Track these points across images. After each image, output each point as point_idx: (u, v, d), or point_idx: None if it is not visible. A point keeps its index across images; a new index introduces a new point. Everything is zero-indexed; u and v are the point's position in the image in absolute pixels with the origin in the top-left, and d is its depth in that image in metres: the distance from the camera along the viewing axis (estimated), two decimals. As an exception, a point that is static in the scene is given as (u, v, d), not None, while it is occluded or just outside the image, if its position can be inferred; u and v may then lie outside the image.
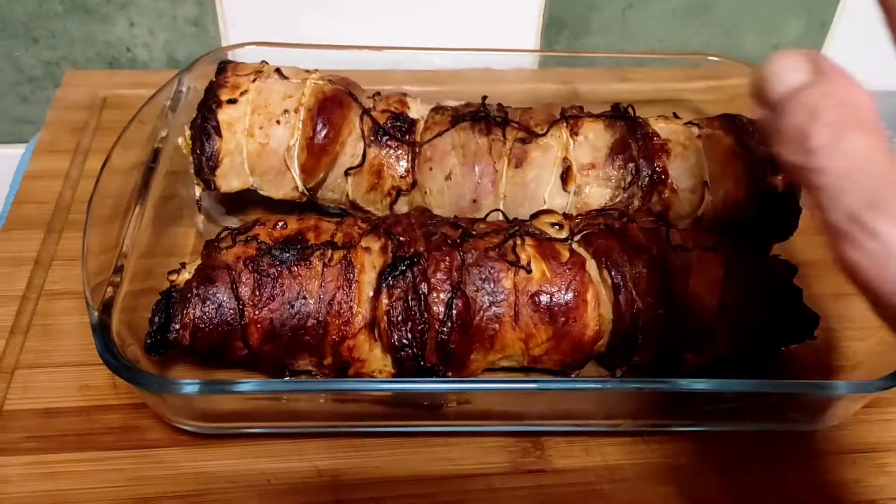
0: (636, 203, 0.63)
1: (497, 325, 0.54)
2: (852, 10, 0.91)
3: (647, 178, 0.63)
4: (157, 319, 0.51)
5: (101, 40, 0.85)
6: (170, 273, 0.55)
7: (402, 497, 0.52)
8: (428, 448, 0.54)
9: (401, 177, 0.63)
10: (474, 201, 0.63)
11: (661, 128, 0.65)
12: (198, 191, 0.64)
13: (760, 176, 0.64)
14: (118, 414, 0.55)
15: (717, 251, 0.57)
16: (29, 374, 0.56)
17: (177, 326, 0.51)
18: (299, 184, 0.63)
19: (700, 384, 0.49)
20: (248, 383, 0.48)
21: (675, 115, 0.68)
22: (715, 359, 0.58)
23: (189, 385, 0.47)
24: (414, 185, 0.63)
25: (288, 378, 0.55)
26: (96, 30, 0.84)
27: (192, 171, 0.63)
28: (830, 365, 0.61)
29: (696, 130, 0.66)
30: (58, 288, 0.62)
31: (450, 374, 0.54)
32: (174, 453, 0.53)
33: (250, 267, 0.52)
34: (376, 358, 0.54)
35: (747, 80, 0.76)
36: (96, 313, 0.49)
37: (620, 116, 0.66)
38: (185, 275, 0.54)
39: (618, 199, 0.63)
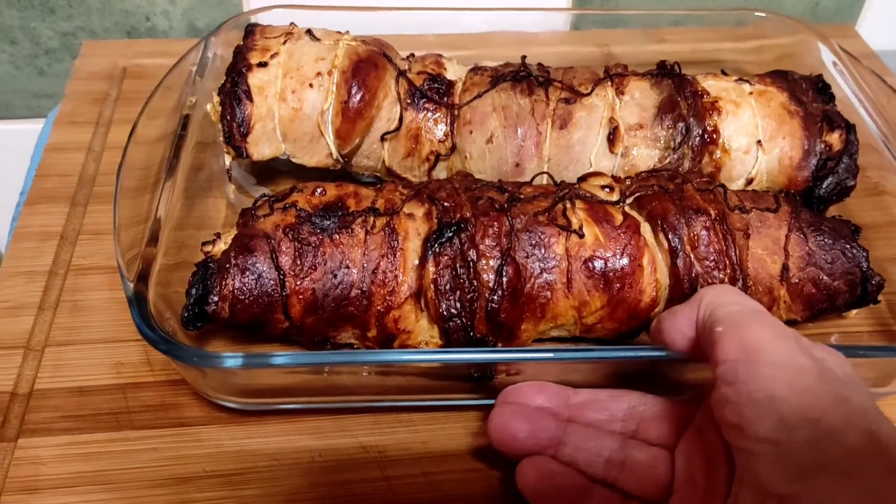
0: (686, 164, 0.60)
1: (549, 293, 0.51)
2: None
3: (697, 138, 0.60)
4: (194, 292, 0.49)
5: (118, 9, 0.82)
6: (204, 244, 0.52)
7: (451, 472, 0.49)
8: (477, 422, 0.52)
9: (440, 141, 0.61)
10: (517, 165, 0.60)
11: (711, 85, 0.62)
12: (227, 160, 0.61)
13: (816, 133, 0.61)
14: (154, 391, 0.52)
15: (777, 212, 0.54)
16: (60, 352, 0.54)
17: (215, 298, 0.49)
18: (334, 150, 0.61)
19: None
20: (291, 355, 0.45)
21: (724, 73, 0.65)
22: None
23: (231, 358, 0.44)
24: (453, 149, 0.60)
25: (330, 350, 0.53)
26: (114, -2, 0.81)
27: (221, 139, 0.60)
28: (893, 330, 0.58)
29: (747, 87, 0.63)
30: (85, 263, 0.60)
31: (500, 344, 0.51)
32: (213, 431, 0.51)
33: (290, 235, 0.50)
34: (423, 329, 0.51)
35: (795, 37, 0.73)
36: (131, 285, 0.47)
37: (667, 74, 0.62)
38: (221, 245, 0.51)
39: (667, 161, 0.60)
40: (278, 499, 0.48)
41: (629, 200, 0.54)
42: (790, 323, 0.55)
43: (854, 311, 0.57)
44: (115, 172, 0.54)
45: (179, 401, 0.52)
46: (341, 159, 0.62)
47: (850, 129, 0.61)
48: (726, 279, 0.51)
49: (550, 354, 0.47)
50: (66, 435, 0.50)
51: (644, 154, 0.60)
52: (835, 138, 0.61)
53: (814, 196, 0.61)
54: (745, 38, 0.78)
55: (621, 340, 0.55)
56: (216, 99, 0.60)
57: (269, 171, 0.66)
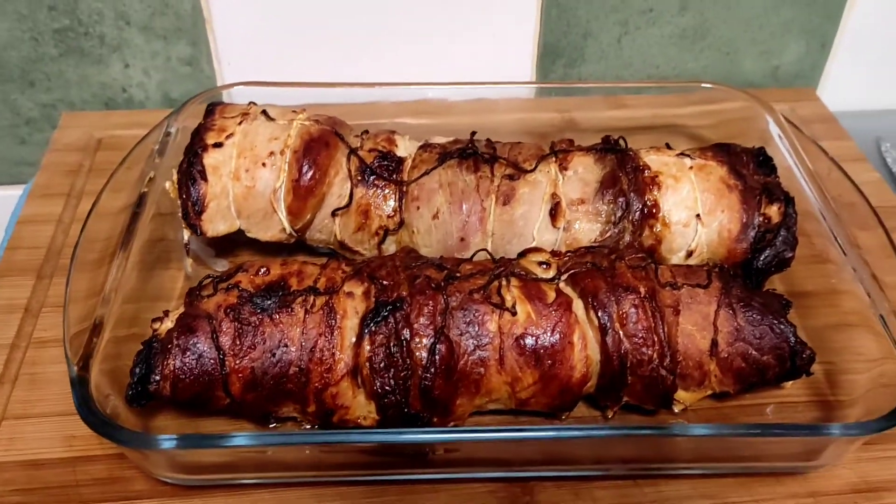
0: (627, 238, 0.62)
1: (482, 369, 0.53)
2: (853, 31, 0.90)
3: (637, 213, 0.62)
4: (137, 371, 0.51)
5: (96, 82, 0.85)
6: (153, 321, 0.54)
7: (387, 547, 0.51)
8: (414, 496, 0.53)
9: (388, 216, 0.63)
10: (462, 240, 0.62)
11: (653, 160, 0.64)
12: (186, 234, 0.64)
13: (755, 206, 0.62)
14: (103, 465, 0.54)
15: (708, 287, 0.55)
16: (16, 425, 0.56)
17: (157, 378, 0.51)
18: (286, 226, 0.63)
19: (688, 429, 0.48)
20: (225, 437, 0.47)
21: (668, 146, 0.67)
22: (707, 397, 0.56)
23: (167, 441, 0.46)
24: (401, 224, 0.63)
25: (273, 425, 0.55)
26: (91, 71, 0.84)
27: (179, 214, 0.63)
28: (829, 401, 0.59)
29: (688, 161, 0.65)
30: (46, 336, 0.62)
31: (435, 420, 0.53)
32: (158, 505, 0.52)
33: (231, 315, 0.52)
34: (360, 404, 0.53)
35: (741, 104, 0.75)
36: (75, 368, 0.49)
37: (610, 150, 0.65)
38: (168, 323, 0.53)
39: (608, 234, 0.62)
40: (214, 574, 0.49)
41: (564, 277, 0.56)
42: (724, 395, 0.57)
43: (790, 382, 0.58)
44: (90, 244, 0.56)
45: (126, 475, 0.54)
46: (295, 234, 0.64)
47: (788, 201, 0.63)
48: (655, 355, 0.53)
49: (481, 435, 0.48)
50: (16, 509, 0.52)
51: (586, 228, 0.62)
52: (774, 211, 0.63)
53: (752, 268, 0.62)
54: (698, 103, 0.80)
55: (559, 413, 0.56)
56: (175, 176, 0.63)
57: (229, 243, 0.68)
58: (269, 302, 0.53)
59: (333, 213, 0.63)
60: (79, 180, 0.77)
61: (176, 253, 0.67)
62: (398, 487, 0.53)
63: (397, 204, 0.63)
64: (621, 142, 0.66)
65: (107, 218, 0.61)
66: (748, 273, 0.63)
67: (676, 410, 0.56)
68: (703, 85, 0.76)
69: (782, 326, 0.55)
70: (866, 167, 0.81)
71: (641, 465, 0.53)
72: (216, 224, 0.62)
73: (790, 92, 0.93)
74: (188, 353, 0.51)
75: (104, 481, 0.53)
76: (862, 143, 0.86)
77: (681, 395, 0.56)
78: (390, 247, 0.64)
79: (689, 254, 0.63)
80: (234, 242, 0.68)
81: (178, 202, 0.63)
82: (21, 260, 0.69)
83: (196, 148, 0.62)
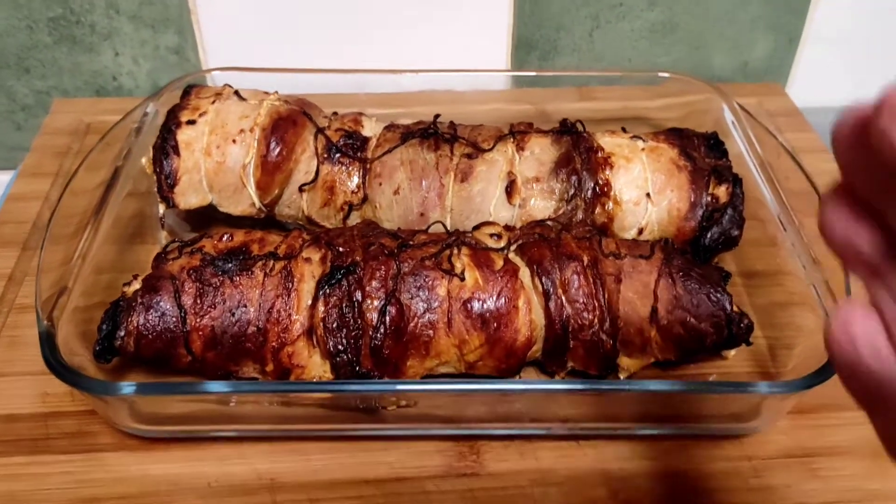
0: (580, 215, 0.64)
1: (431, 332, 0.56)
2: (820, 26, 0.92)
3: (589, 191, 0.64)
4: (104, 327, 0.54)
5: (88, 70, 0.89)
6: (124, 285, 0.57)
7: (337, 499, 0.53)
8: (366, 451, 0.56)
9: (352, 192, 0.66)
10: (422, 215, 0.65)
11: (606, 141, 0.67)
12: (161, 208, 0.67)
13: (703, 186, 0.65)
14: (73, 420, 0.57)
15: (650, 258, 0.58)
16: (-7, 383, 0.60)
17: (122, 333, 0.54)
18: (256, 200, 0.66)
19: (622, 385, 0.50)
20: (182, 385, 0.50)
21: (624, 130, 0.70)
22: (650, 364, 0.59)
23: (127, 387, 0.49)
24: (365, 199, 0.66)
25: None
26: (83, 59, 0.88)
27: (155, 189, 0.66)
28: (770, 373, 0.61)
29: (640, 143, 0.67)
30: (27, 302, 0.66)
31: (385, 378, 0.56)
32: (121, 457, 0.55)
33: (193, 277, 0.55)
34: (316, 364, 0.56)
35: (703, 95, 0.78)
36: (44, 322, 0.52)
37: (567, 132, 0.67)
38: (136, 285, 0.56)
39: (562, 212, 0.65)
40: (172, 520, 0.52)
41: (513, 247, 0.59)
42: (667, 363, 0.59)
43: (733, 352, 0.61)
44: (66, 219, 0.60)
45: (94, 429, 0.57)
46: (264, 208, 0.67)
47: (736, 182, 0.66)
48: (595, 320, 0.56)
49: (420, 386, 0.51)
50: (-11, 458, 0.55)
51: (540, 205, 0.65)
52: (721, 191, 0.65)
53: (700, 245, 0.65)
54: (667, 95, 0.83)
55: (506, 377, 0.59)
56: (150, 153, 0.66)
57: (204, 218, 0.71)
58: (230, 265, 0.56)
59: (301, 189, 0.66)
60: (67, 161, 0.80)
61: (152, 229, 0.70)
62: (352, 444, 0.56)
63: (361, 180, 0.66)
64: (578, 125, 0.69)
65: (83, 195, 0.64)
66: (696, 251, 0.65)
67: (622, 377, 0.59)
68: (661, 74, 0.79)
69: (719, 295, 0.57)
70: (827, 157, 0.84)
71: (582, 426, 0.56)
72: (188, 197, 0.65)
73: (758, 87, 0.95)
74: (151, 310, 0.54)
75: (73, 435, 0.56)
76: (827, 137, 0.88)
77: (625, 361, 0.58)
78: (355, 221, 0.66)
79: (640, 231, 0.65)
80: (207, 217, 0.71)
81: (154, 177, 0.66)
82: (8, 233, 0.72)
83: (170, 125, 0.65)
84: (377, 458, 0.56)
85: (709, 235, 0.65)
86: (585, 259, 0.57)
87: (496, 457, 0.56)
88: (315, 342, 0.55)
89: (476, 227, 0.62)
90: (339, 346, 0.54)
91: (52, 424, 0.57)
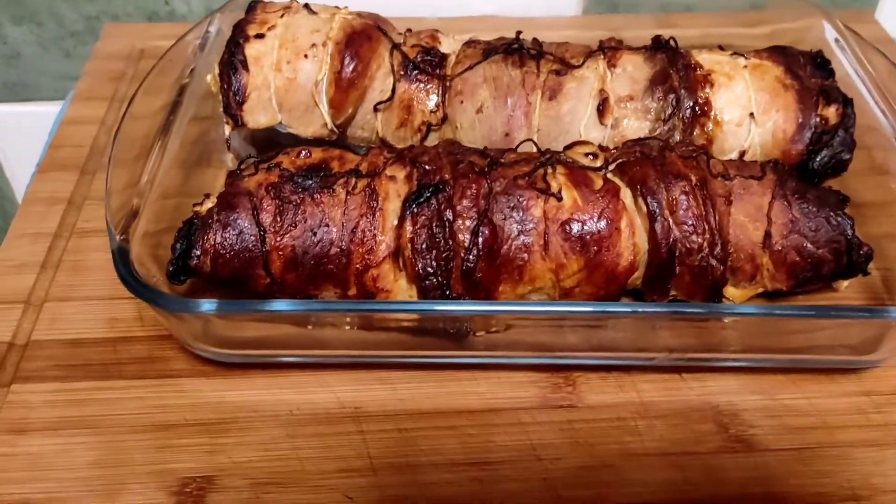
0: (677, 136, 0.60)
1: (526, 255, 0.52)
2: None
3: (688, 110, 0.60)
4: (178, 246, 0.51)
5: (140, -6, 0.85)
6: (195, 204, 0.54)
7: (426, 429, 0.50)
8: (454, 382, 0.53)
9: (431, 111, 0.62)
10: (507, 135, 0.60)
11: (705, 59, 0.62)
12: (227, 129, 0.63)
13: (811, 107, 0.60)
14: (143, 345, 0.54)
15: (761, 180, 0.53)
16: (58, 307, 0.57)
17: (198, 252, 0.50)
18: (328, 120, 0.62)
19: (739, 309, 0.46)
20: (265, 303, 0.46)
21: (721, 48, 0.65)
22: (758, 294, 0.55)
23: (207, 304, 0.46)
24: (444, 119, 0.61)
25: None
26: (135, -17, 0.84)
27: (221, 110, 0.62)
28: (886, 305, 0.57)
29: (742, 61, 0.62)
30: (89, 226, 0.63)
31: (477, 304, 0.52)
32: (197, 383, 0.52)
33: (272, 193, 0.51)
34: (401, 288, 0.52)
35: (802, 20, 0.72)
36: (117, 237, 0.49)
37: (661, 48, 0.62)
38: (209, 203, 0.53)
39: (657, 133, 0.60)
40: (254, 447, 0.49)
41: (611, 167, 0.54)
42: (777, 294, 0.55)
43: (845, 284, 0.56)
44: (128, 143, 0.56)
45: (167, 354, 0.54)
46: (336, 130, 0.63)
47: (847, 103, 0.60)
48: (705, 244, 0.51)
49: (521, 308, 0.47)
50: (57, 382, 0.52)
51: (634, 126, 0.60)
52: (831, 112, 0.60)
53: (808, 169, 0.60)
54: (755, 23, 0.78)
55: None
56: (216, 70, 0.62)
57: (269, 143, 0.67)
58: (310, 182, 0.52)
59: (375, 108, 0.62)
60: (122, 86, 0.77)
61: (217, 153, 0.66)
62: (439, 374, 0.53)
63: (440, 99, 0.61)
64: (672, 42, 0.64)
65: (143, 119, 0.61)
66: (803, 175, 0.60)
67: (725, 309, 0.55)
68: (767, -4, 0.73)
69: (839, 219, 0.52)
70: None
71: (687, 356, 0.52)
72: (257, 116, 0.61)
73: (847, 14, 0.89)
74: (229, 228, 0.51)
75: (144, 360, 0.53)
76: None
77: (730, 291, 0.54)
78: (433, 143, 0.62)
79: (742, 155, 0.60)
80: (274, 143, 0.67)
81: (220, 96, 0.62)
82: (64, 157, 0.69)
83: (238, 38, 0.61)
84: (467, 389, 0.52)
85: (818, 159, 0.60)
86: (693, 178, 0.52)
87: (593, 389, 0.52)
88: (402, 265, 0.52)
89: (568, 147, 0.57)
90: (429, 269, 0.50)
91: (121, 349, 0.54)
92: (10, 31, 0.86)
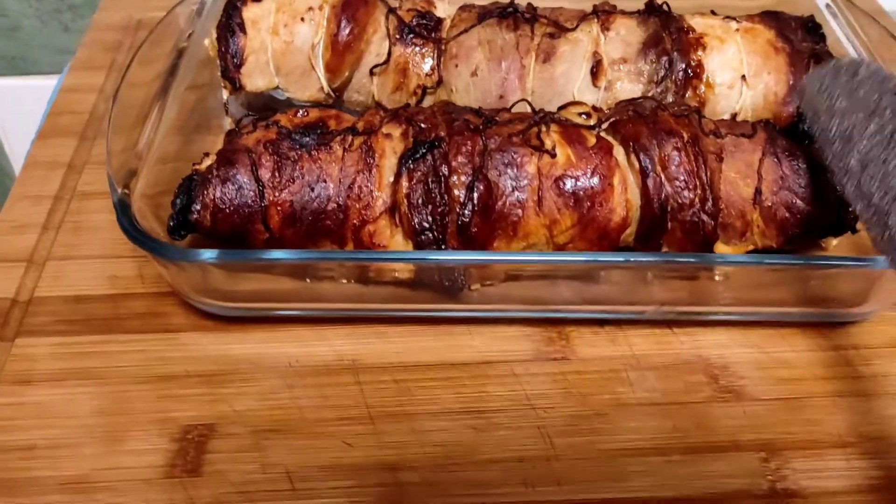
0: (670, 98, 0.61)
1: (520, 211, 0.52)
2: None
3: (681, 73, 0.60)
4: (178, 201, 0.52)
5: (137, -34, 0.85)
6: (193, 164, 0.55)
7: (422, 380, 0.51)
8: (450, 335, 0.53)
9: (426, 75, 0.62)
10: (501, 97, 0.61)
11: (697, 22, 0.63)
12: (225, 93, 0.64)
13: (802, 69, 0.61)
14: (143, 301, 0.55)
15: (752, 137, 0.54)
16: (60, 265, 0.58)
17: (198, 207, 0.51)
18: (324, 83, 0.63)
19: (730, 258, 0.47)
20: (264, 252, 0.47)
21: (713, 12, 0.66)
22: (749, 252, 0.56)
23: (208, 253, 0.47)
24: (440, 82, 0.62)
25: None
26: (132, -45, 0.84)
27: (219, 74, 0.63)
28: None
29: (734, 25, 0.63)
30: (89, 189, 0.63)
31: (471, 259, 0.53)
32: (197, 337, 0.53)
33: (270, 150, 0.52)
34: (398, 244, 0.53)
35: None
36: (119, 190, 0.50)
37: (654, 12, 0.63)
38: (208, 161, 0.54)
39: (650, 95, 0.61)
40: (254, 396, 0.50)
41: (604, 125, 0.55)
42: (766, 250, 0.56)
43: (834, 242, 0.57)
44: (127, 109, 0.57)
45: (167, 310, 0.55)
46: (332, 93, 0.64)
47: (837, 66, 0.61)
48: (696, 199, 0.52)
49: (513, 257, 0.48)
50: (60, 336, 0.53)
51: (627, 88, 0.61)
52: (821, 74, 0.61)
53: (798, 132, 0.61)
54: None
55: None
56: (214, 34, 0.63)
57: (266, 109, 0.67)
58: (307, 139, 0.53)
59: (371, 72, 0.63)
60: (120, 55, 0.77)
61: (216, 119, 0.67)
62: (434, 328, 0.54)
63: (435, 62, 0.62)
64: (665, 6, 0.64)
65: (141, 87, 0.61)
66: (793, 138, 0.61)
67: (716, 265, 0.56)
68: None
69: (828, 175, 0.53)
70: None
71: (678, 309, 0.53)
72: (255, 79, 0.62)
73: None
74: (228, 183, 0.51)
75: (145, 315, 0.54)
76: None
77: (721, 248, 0.55)
78: (428, 107, 0.63)
79: (734, 117, 0.61)
80: (270, 110, 0.68)
81: (218, 61, 0.63)
82: (64, 123, 0.70)
83: (235, 2, 0.61)
84: (461, 342, 0.53)
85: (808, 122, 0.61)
86: (685, 135, 0.53)
87: (586, 342, 0.53)
88: (398, 220, 0.53)
89: (562, 107, 0.58)
90: (425, 224, 0.51)
91: (122, 305, 0.55)
92: (9, 4, 0.87)
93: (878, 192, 0.41)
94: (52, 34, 0.89)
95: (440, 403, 0.50)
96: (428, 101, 0.63)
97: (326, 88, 0.63)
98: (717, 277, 0.53)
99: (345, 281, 0.51)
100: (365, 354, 0.52)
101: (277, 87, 0.64)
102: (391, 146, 0.53)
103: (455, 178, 0.52)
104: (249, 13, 0.61)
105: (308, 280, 0.51)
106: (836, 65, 0.48)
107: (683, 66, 0.60)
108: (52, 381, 0.50)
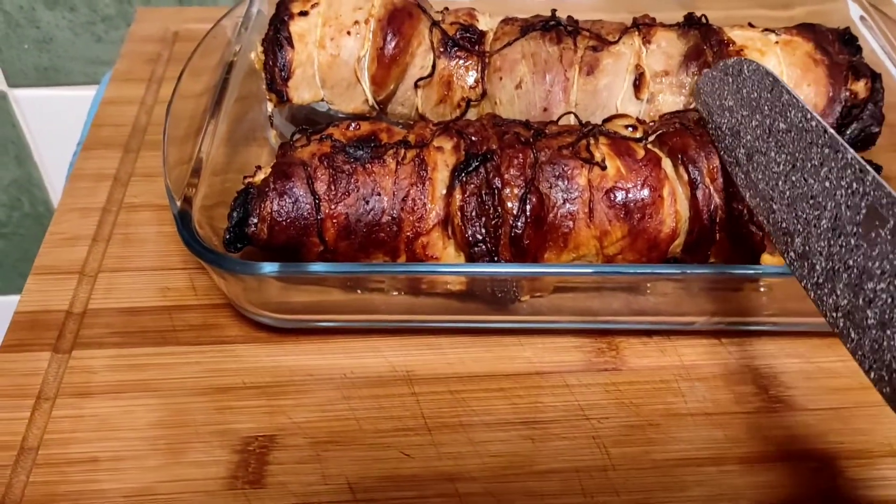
0: (711, 110, 0.61)
1: (571, 223, 0.53)
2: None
3: (722, 85, 0.61)
4: (235, 214, 0.52)
5: (171, -22, 0.86)
6: (245, 177, 0.55)
7: (476, 391, 0.52)
8: (500, 346, 0.54)
9: (470, 87, 0.63)
10: (545, 110, 0.62)
11: (737, 35, 0.64)
12: (270, 106, 0.64)
13: (841, 81, 0.62)
14: (197, 313, 0.56)
15: (798, 150, 0.55)
16: (112, 277, 0.58)
17: (255, 220, 0.52)
18: (369, 96, 0.63)
19: (781, 270, 0.48)
20: (325, 265, 0.48)
21: (751, 25, 0.67)
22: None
23: (268, 266, 0.47)
24: (484, 95, 0.63)
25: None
26: (167, -33, 0.86)
27: (264, 87, 0.64)
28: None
29: (773, 37, 0.64)
30: (136, 201, 0.64)
31: (523, 271, 0.53)
32: (252, 349, 0.54)
33: (325, 163, 0.53)
34: (450, 255, 0.54)
35: (833, 5, 0.73)
36: (178, 202, 0.50)
37: (694, 25, 0.64)
38: (261, 174, 0.54)
39: (692, 108, 0.61)
40: (311, 407, 0.50)
41: (651, 138, 0.56)
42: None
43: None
44: (178, 121, 0.57)
45: (221, 322, 0.55)
46: (377, 106, 0.64)
47: (875, 77, 0.62)
48: (745, 210, 0.53)
49: (567, 269, 0.49)
50: (116, 348, 0.53)
51: (669, 100, 0.62)
52: (860, 87, 0.62)
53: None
54: (777, 5, 0.79)
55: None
56: (259, 48, 0.63)
57: (309, 122, 0.68)
58: (361, 152, 0.54)
59: (416, 85, 0.63)
60: (159, 67, 0.78)
61: (260, 130, 0.67)
62: (485, 339, 0.54)
63: (479, 75, 0.63)
64: (704, 19, 0.65)
65: (188, 99, 0.62)
66: (833, 148, 0.62)
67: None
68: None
69: (874, 187, 0.54)
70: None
71: (727, 320, 0.54)
72: (301, 92, 0.63)
73: (868, -4, 0.91)
74: (285, 196, 0.52)
75: (199, 328, 0.55)
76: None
77: (768, 259, 0.55)
78: (472, 119, 0.64)
79: (774, 128, 0.62)
80: (314, 123, 0.69)
81: (263, 74, 0.63)
82: (107, 136, 0.70)
83: (282, 16, 0.62)
84: (513, 353, 0.54)
85: (847, 132, 0.61)
86: (733, 147, 0.54)
87: (636, 353, 0.54)
88: (451, 232, 0.53)
89: (607, 120, 0.59)
90: (479, 235, 0.52)
91: (176, 317, 0.56)
92: (43, 16, 0.88)
93: (762, 181, 0.45)
94: (85, 45, 0.90)
95: (496, 414, 0.50)
96: (471, 114, 0.64)
97: (371, 101, 0.64)
98: (761, 288, 0.54)
99: (395, 293, 0.52)
100: (418, 366, 0.53)
101: (322, 100, 0.64)
102: (443, 159, 0.54)
103: (508, 190, 0.52)
104: (296, 27, 0.62)
105: (359, 291, 0.52)
106: (723, 66, 0.52)
107: (725, 78, 0.61)
108: (110, 394, 0.51)
